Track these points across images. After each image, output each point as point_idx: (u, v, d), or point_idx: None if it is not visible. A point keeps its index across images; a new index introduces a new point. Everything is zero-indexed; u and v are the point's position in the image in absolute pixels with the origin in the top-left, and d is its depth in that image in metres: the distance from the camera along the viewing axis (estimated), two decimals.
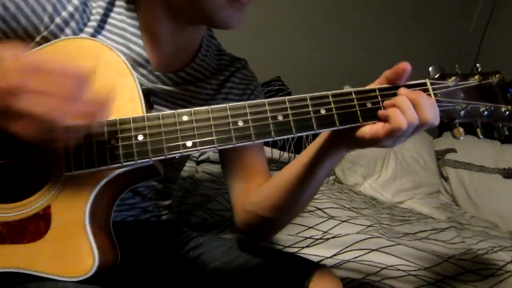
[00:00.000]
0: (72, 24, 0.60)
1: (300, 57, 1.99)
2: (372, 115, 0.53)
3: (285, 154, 1.45)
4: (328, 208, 1.16)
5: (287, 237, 0.99)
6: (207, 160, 1.49)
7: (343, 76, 1.87)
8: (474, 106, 0.57)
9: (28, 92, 0.41)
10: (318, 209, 1.14)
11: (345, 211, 1.16)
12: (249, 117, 0.52)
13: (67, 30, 0.60)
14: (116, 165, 0.50)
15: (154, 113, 0.52)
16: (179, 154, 0.51)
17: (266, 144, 1.45)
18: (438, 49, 2.25)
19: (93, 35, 0.62)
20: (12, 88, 0.41)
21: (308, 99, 0.53)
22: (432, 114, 0.52)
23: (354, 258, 0.93)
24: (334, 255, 0.94)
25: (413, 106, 0.51)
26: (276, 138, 0.52)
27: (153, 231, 0.81)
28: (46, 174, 0.51)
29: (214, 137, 0.51)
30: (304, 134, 0.53)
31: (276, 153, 1.44)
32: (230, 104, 0.53)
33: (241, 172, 0.76)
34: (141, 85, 0.63)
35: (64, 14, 0.59)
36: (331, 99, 0.53)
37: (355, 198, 1.38)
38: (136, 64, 0.66)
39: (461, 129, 0.58)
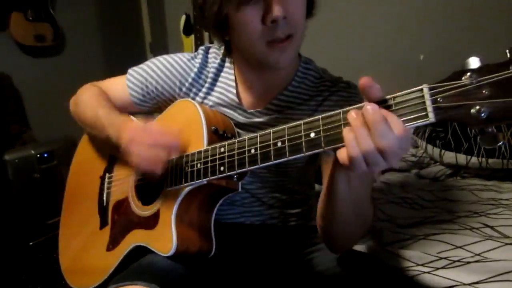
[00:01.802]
0: (191, 94, 0.90)
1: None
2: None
3: (473, 159, 1.23)
4: (504, 226, 0.94)
5: (423, 255, 0.90)
6: (391, 169, 1.46)
7: None
8: (501, 104, 0.44)
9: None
10: (487, 226, 0.95)
11: None
12: (258, 145, 0.63)
13: (191, 94, 0.91)
14: (185, 184, 0.74)
15: (209, 147, 0.72)
16: (218, 176, 0.69)
17: (449, 149, 1.28)
18: None
19: (206, 95, 0.90)
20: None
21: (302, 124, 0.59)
22: (387, 141, 0.47)
23: None
24: (475, 282, 0.79)
25: (368, 132, 0.48)
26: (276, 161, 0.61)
27: (279, 234, 0.97)
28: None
29: (235, 164, 0.66)
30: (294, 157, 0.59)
31: (461, 158, 1.25)
32: (248, 136, 0.65)
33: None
34: (234, 122, 0.85)
35: (187, 85, 0.90)
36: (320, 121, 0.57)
37: None
38: (233, 107, 0.88)
39: (491, 134, 0.46)
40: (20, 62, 2.43)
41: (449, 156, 1.26)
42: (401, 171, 1.45)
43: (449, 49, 1.74)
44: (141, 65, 0.95)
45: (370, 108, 0.49)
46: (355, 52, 2.06)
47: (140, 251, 0.80)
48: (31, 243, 1.98)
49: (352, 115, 0.52)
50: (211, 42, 0.84)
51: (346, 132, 0.52)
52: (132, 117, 1.00)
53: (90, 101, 0.93)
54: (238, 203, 0.92)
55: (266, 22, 0.69)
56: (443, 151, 1.29)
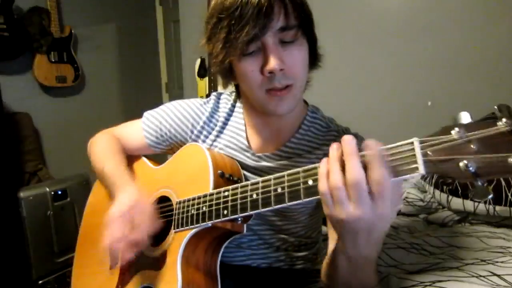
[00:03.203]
0: (202, 136, 0.95)
1: None
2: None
3: (481, 206, 1.22)
4: (510, 275, 0.92)
5: None
6: (399, 213, 1.46)
7: None
8: (489, 158, 0.46)
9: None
10: (495, 274, 0.93)
11: None
12: (260, 190, 0.66)
13: (201, 137, 0.95)
14: (191, 226, 0.76)
15: (214, 190, 0.75)
16: (222, 219, 0.71)
17: (456, 195, 1.28)
18: None
19: (216, 138, 0.94)
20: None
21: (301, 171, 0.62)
22: (354, 172, 0.50)
23: None
24: None
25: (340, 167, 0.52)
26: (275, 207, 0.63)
27: (285, 277, 0.97)
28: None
29: (238, 208, 0.68)
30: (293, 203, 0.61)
31: (469, 204, 1.24)
32: (251, 181, 0.68)
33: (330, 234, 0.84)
34: (243, 165, 0.88)
35: (198, 128, 0.95)
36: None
37: None
38: (242, 150, 0.91)
39: (480, 188, 0.47)
40: (40, 102, 2.56)
41: (457, 202, 1.26)
42: (409, 215, 1.45)
43: (457, 96, 1.78)
44: (156, 109, 1.01)
45: (346, 138, 0.54)
46: (363, 98, 2.10)
47: None
48: (40, 282, 1.99)
49: (333, 146, 0.56)
50: (222, 82, 0.90)
51: (322, 165, 0.56)
52: (144, 158, 1.04)
53: (100, 153, 0.99)
54: (245, 245, 0.93)
55: (264, 73, 0.74)
56: (450, 197, 1.29)
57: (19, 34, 2.31)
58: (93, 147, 1.04)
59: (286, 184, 0.62)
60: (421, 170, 0.49)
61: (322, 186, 0.55)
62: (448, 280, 0.94)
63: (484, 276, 0.94)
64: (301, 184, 0.60)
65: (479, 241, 1.13)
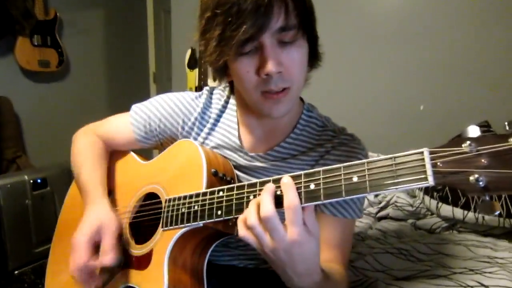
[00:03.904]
0: (193, 133, 0.91)
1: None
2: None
3: (470, 214, 1.23)
4: (499, 286, 0.92)
5: None
6: (387, 217, 1.46)
7: None
8: (499, 174, 0.45)
9: None
10: (483, 285, 0.93)
11: None
12: (257, 192, 0.63)
13: (193, 133, 0.91)
14: (181, 225, 0.73)
15: (208, 190, 0.72)
16: (215, 219, 0.68)
17: (446, 202, 1.28)
18: None
19: (207, 135, 0.91)
20: None
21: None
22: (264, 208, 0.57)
23: None
24: None
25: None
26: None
27: (271, 278, 0.95)
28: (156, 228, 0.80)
29: (233, 209, 0.66)
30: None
31: (458, 212, 1.25)
32: (247, 183, 0.66)
33: None
34: (235, 164, 0.85)
35: (190, 124, 0.91)
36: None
37: None
38: (234, 149, 0.88)
39: (487, 203, 0.46)
40: (22, 87, 2.47)
41: (446, 209, 1.26)
42: (398, 219, 1.45)
43: (450, 102, 1.79)
44: (145, 102, 0.96)
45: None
46: (357, 99, 2.10)
47: None
48: (16, 272, 1.93)
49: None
50: (214, 78, 0.85)
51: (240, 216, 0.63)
52: (132, 153, 1.00)
53: (79, 156, 0.96)
54: (233, 245, 0.91)
55: (260, 75, 0.70)
56: (440, 203, 1.29)
57: (1, 15, 2.21)
58: (73, 147, 0.99)
59: None
60: (430, 181, 0.48)
61: (240, 231, 0.61)
62: None
63: (472, 286, 0.94)
64: (302, 188, 0.58)
65: (467, 249, 1.14)
